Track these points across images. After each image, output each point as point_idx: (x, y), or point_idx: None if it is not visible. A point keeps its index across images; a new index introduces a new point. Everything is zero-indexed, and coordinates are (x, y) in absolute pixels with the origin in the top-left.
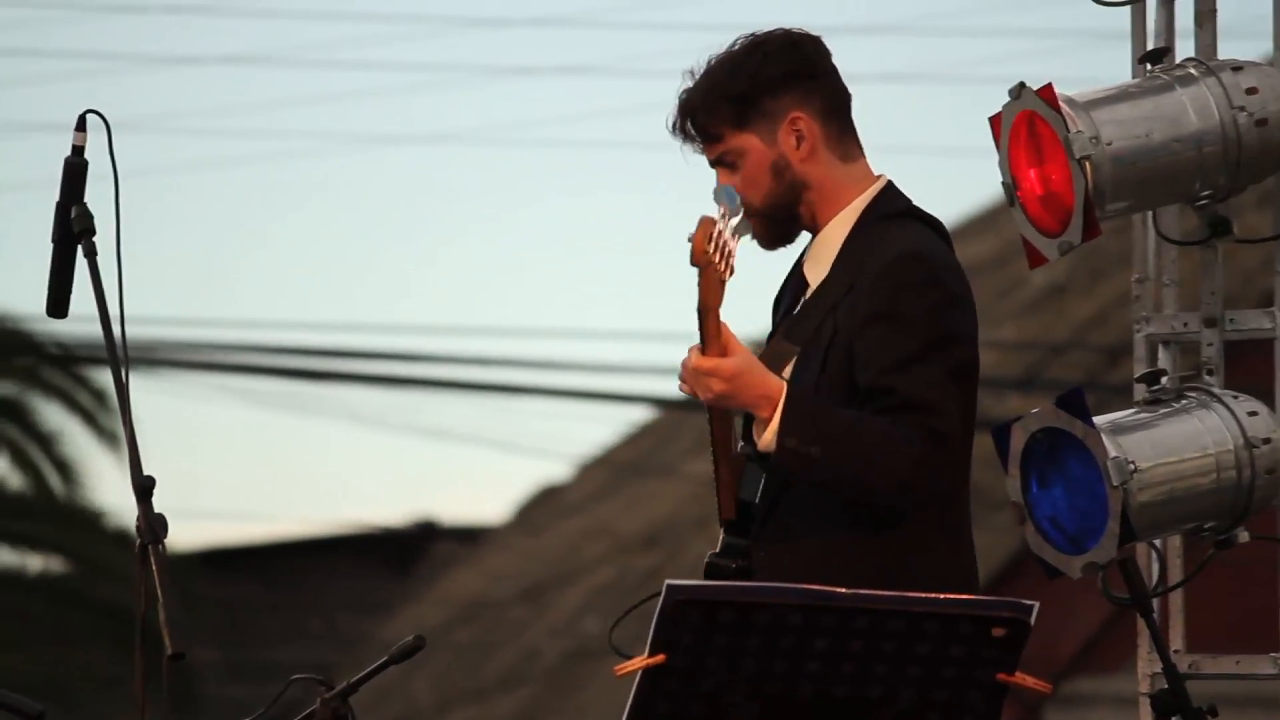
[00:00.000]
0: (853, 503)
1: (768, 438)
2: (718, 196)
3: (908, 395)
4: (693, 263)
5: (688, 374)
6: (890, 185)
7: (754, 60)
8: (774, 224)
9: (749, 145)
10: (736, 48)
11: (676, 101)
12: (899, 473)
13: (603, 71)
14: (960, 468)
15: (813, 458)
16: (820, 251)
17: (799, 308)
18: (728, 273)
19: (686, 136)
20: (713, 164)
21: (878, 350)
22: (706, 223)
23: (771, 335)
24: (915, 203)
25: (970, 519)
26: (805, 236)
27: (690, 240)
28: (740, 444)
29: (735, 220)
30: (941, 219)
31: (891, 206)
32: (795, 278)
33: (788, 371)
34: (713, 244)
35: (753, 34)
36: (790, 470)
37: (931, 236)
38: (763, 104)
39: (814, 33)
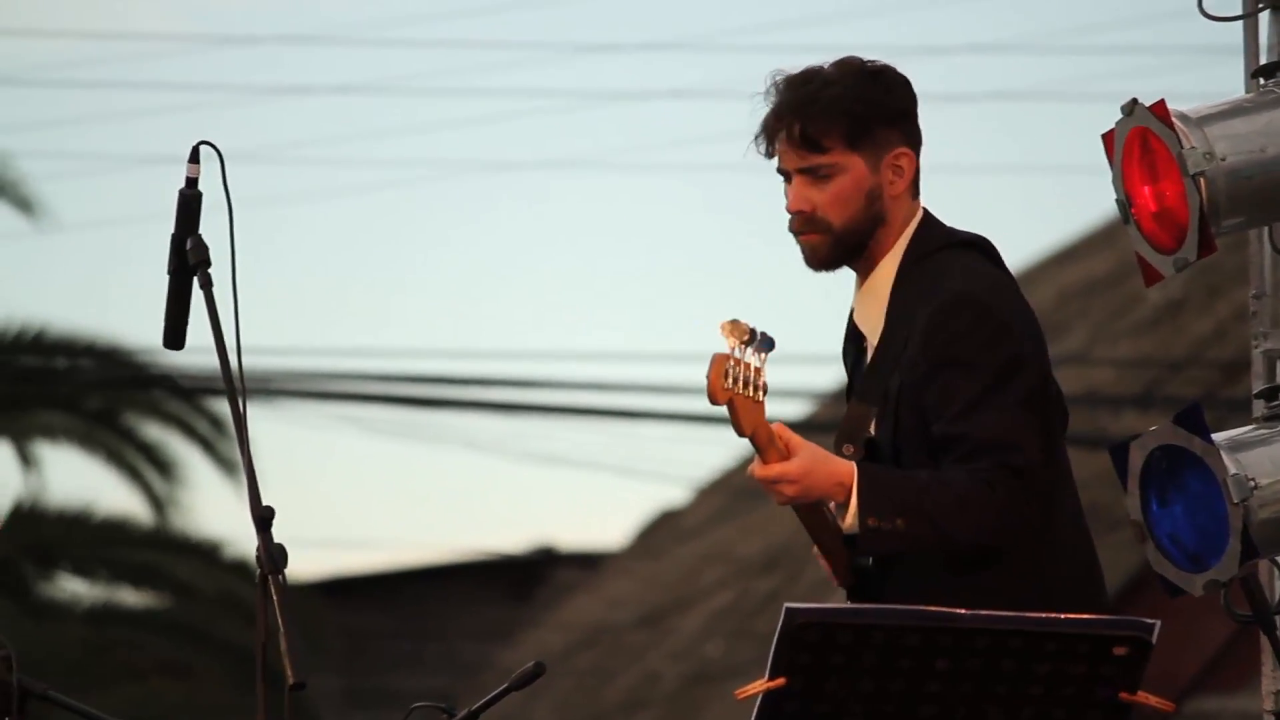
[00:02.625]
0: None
1: (850, 521)
2: (730, 338)
3: (980, 439)
4: (713, 402)
5: (761, 485)
6: (926, 216)
7: (878, 88)
8: (843, 248)
9: (852, 165)
10: (859, 67)
11: (780, 99)
12: (984, 524)
13: (711, 95)
14: (1048, 492)
15: (897, 531)
16: (868, 300)
17: (866, 366)
18: (760, 394)
19: (784, 138)
20: (794, 172)
21: (944, 399)
22: (719, 360)
23: (849, 393)
24: (957, 226)
25: (1078, 530)
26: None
27: (707, 380)
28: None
29: (751, 349)
30: (1057, 237)
31: (928, 244)
32: (850, 328)
33: (863, 433)
34: (729, 378)
35: (863, 60)
36: (877, 547)
37: (972, 264)
38: (877, 131)
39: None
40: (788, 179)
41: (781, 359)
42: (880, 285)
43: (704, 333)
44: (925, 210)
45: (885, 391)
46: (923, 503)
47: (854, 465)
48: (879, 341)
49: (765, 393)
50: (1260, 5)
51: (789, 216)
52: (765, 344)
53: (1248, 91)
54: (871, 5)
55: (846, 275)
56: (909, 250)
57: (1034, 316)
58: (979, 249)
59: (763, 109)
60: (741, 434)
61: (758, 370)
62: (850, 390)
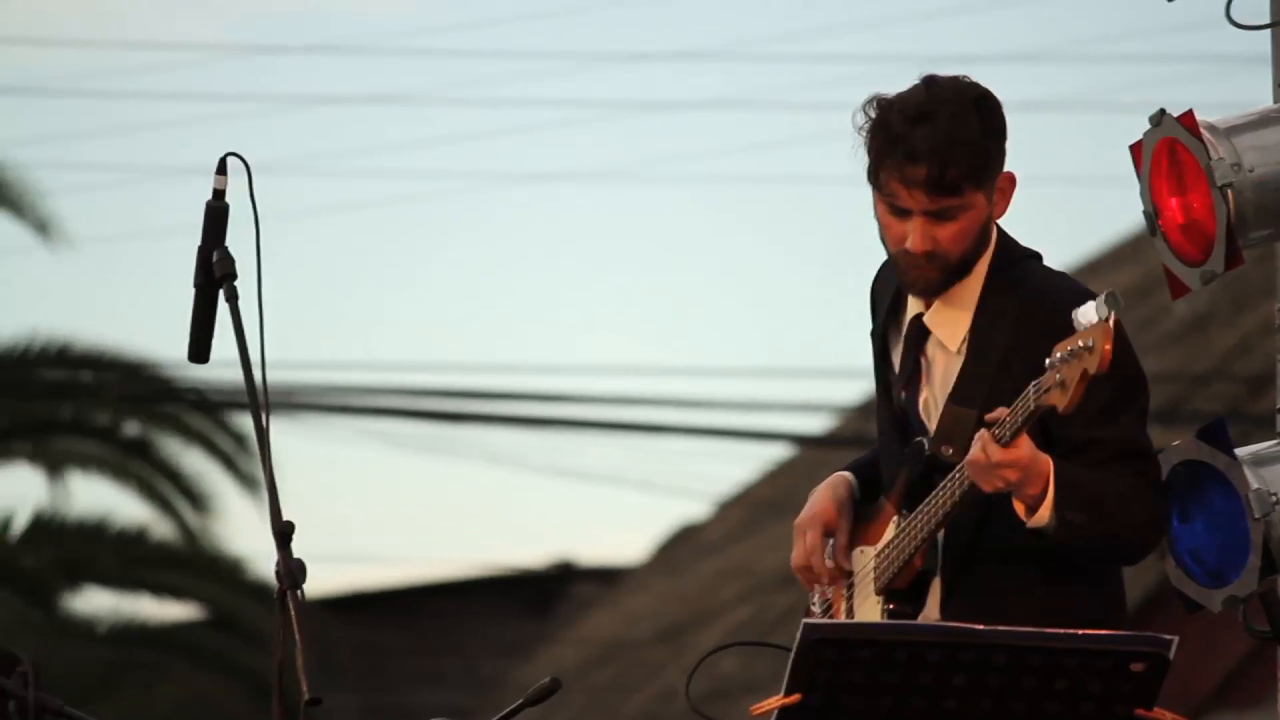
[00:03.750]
0: (1094, 560)
1: (1043, 514)
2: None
3: (1119, 445)
4: (1102, 364)
5: (979, 467)
6: (999, 227)
7: (994, 118)
8: (951, 276)
9: (978, 203)
10: (969, 96)
11: (915, 140)
12: (1145, 526)
13: (744, 105)
14: None
15: (1084, 525)
16: (949, 308)
17: (960, 370)
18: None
19: (919, 179)
20: (919, 212)
21: (1080, 403)
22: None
23: (886, 389)
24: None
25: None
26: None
27: (1105, 350)
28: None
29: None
30: (1083, 249)
31: (1010, 254)
32: (915, 327)
33: (965, 435)
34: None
35: (965, 83)
36: (1063, 539)
37: (1062, 276)
38: (995, 163)
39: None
40: (901, 214)
41: (804, 373)
42: (967, 295)
43: (727, 347)
44: (996, 223)
45: (992, 395)
46: (1102, 501)
47: (1050, 459)
48: (969, 347)
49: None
50: None
51: (902, 249)
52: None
53: (1276, 101)
54: (897, 13)
55: (851, 285)
56: (995, 261)
57: None
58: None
59: (860, 133)
60: (1062, 404)
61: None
62: (885, 385)
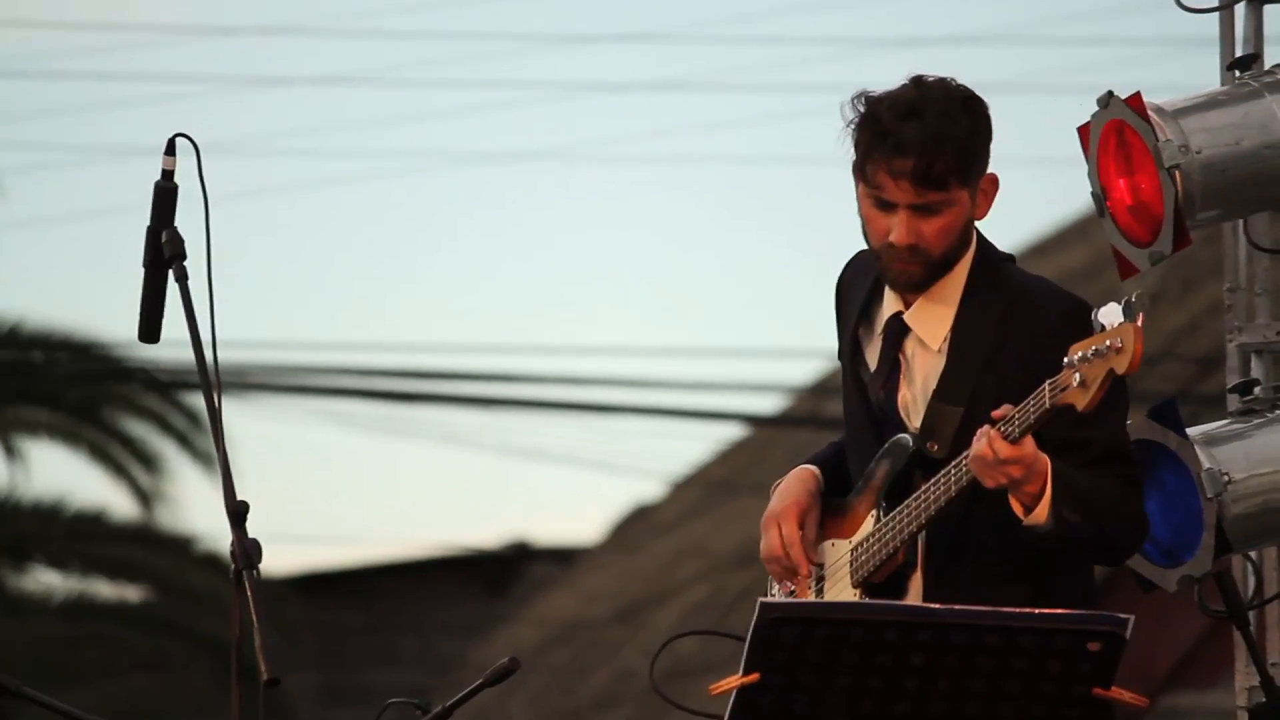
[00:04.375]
0: (1080, 559)
1: (1041, 513)
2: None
3: (1105, 446)
4: (1129, 370)
5: (984, 464)
6: (977, 230)
7: (980, 119)
8: (933, 272)
9: (961, 200)
10: (958, 97)
11: (904, 135)
12: (1133, 529)
13: (695, 87)
14: None
15: (1078, 524)
16: (930, 306)
17: (945, 368)
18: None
19: (906, 172)
20: (904, 206)
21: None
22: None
23: (857, 384)
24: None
25: None
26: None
27: (1130, 357)
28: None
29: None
30: (1031, 230)
31: (989, 256)
32: (891, 325)
33: (951, 432)
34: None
35: (952, 84)
36: (1057, 538)
37: (1040, 279)
38: (980, 163)
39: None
40: (886, 208)
41: (756, 353)
42: (949, 293)
43: (679, 327)
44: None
45: (977, 392)
46: (1094, 501)
47: (1047, 458)
48: (951, 346)
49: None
50: None
51: (886, 243)
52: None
53: (1223, 84)
54: None
55: (804, 266)
56: (976, 262)
57: None
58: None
59: (848, 127)
60: (1082, 406)
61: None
62: (857, 381)
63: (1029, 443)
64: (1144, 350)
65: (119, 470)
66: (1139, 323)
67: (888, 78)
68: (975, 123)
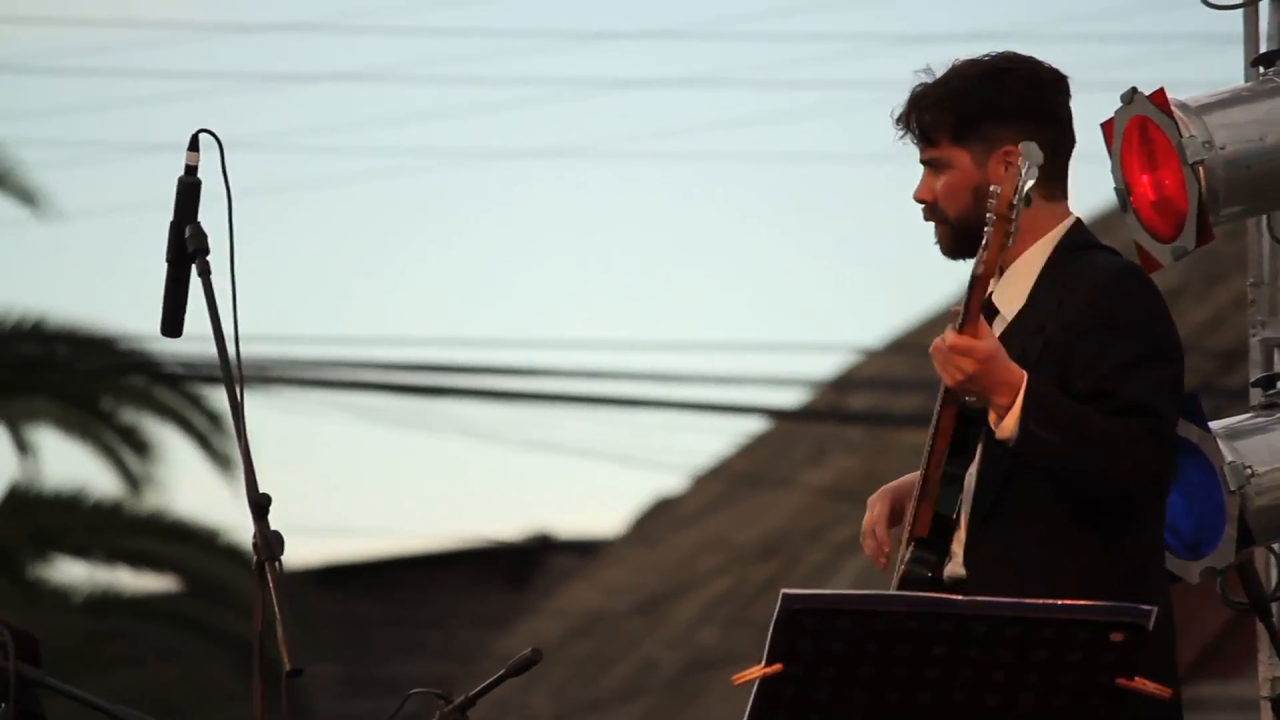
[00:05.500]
0: (1087, 495)
1: (1009, 423)
2: (1024, 153)
3: (1130, 399)
4: (997, 212)
5: (940, 353)
6: (1080, 222)
7: (992, 85)
8: (960, 238)
9: (958, 161)
10: (985, 63)
11: (909, 92)
12: (1126, 470)
13: (716, 83)
14: (1173, 472)
15: (1052, 445)
16: (1015, 281)
17: (1001, 334)
18: (1011, 239)
19: (907, 128)
20: (922, 162)
21: (1099, 357)
22: (1014, 175)
23: None
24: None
25: (1163, 527)
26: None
27: (997, 192)
28: (942, 465)
29: (1029, 185)
30: None
31: (1083, 241)
32: (985, 307)
33: None
34: (1018, 198)
35: (1003, 54)
36: (1032, 456)
37: (1131, 263)
38: (984, 128)
39: (1063, 73)
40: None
41: (778, 347)
42: (1026, 270)
43: (701, 322)
44: (1079, 219)
45: (1021, 354)
46: (1082, 429)
47: (1025, 373)
48: (1016, 314)
49: (1012, 241)
50: None
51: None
52: (1027, 199)
53: (1247, 80)
54: None
55: (824, 261)
56: (1063, 243)
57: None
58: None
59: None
60: (982, 271)
61: (1025, 186)
62: None
63: (982, 335)
64: (1009, 198)
65: (110, 454)
66: (1024, 171)
67: (903, 75)
68: (986, 86)
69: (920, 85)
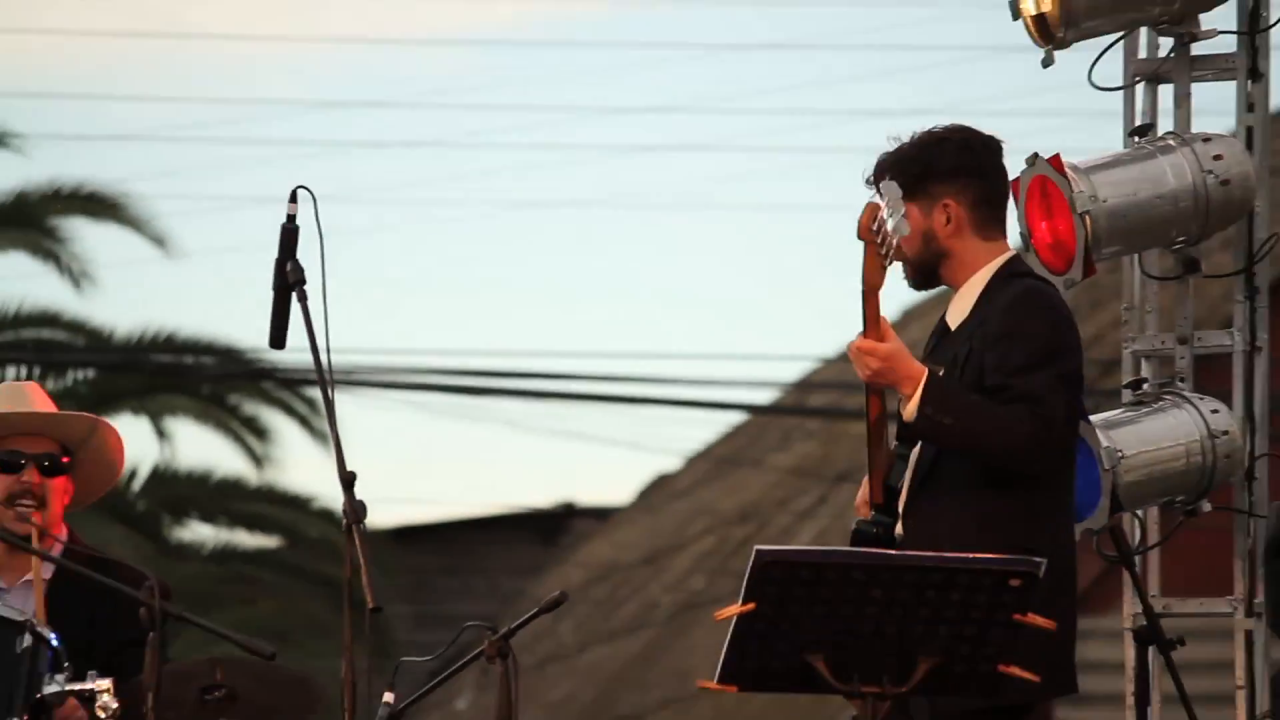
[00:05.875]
0: (979, 464)
1: (910, 408)
2: (884, 190)
3: (1021, 391)
4: (858, 236)
5: (851, 354)
6: (1016, 255)
7: (934, 151)
8: (919, 273)
9: (910, 211)
10: (931, 133)
11: (875, 159)
12: (1013, 442)
13: (715, 148)
14: (1063, 452)
15: (945, 425)
16: (959, 302)
17: (943, 341)
18: (888, 258)
19: (874, 187)
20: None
21: (1003, 359)
22: (871, 206)
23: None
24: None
25: (1073, 496)
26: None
27: (858, 219)
28: (894, 444)
29: (895, 219)
30: None
31: (1016, 270)
32: (940, 325)
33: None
34: (876, 224)
35: (949, 126)
36: (927, 434)
37: (1044, 284)
38: (927, 185)
39: (997, 139)
40: None
41: (754, 357)
42: (969, 293)
43: (693, 335)
44: (1016, 253)
45: (954, 357)
46: (971, 412)
47: (925, 367)
48: (957, 327)
49: (890, 262)
50: (1135, 79)
51: None
52: (902, 227)
53: (1125, 147)
54: (802, 78)
55: (804, 298)
56: (999, 272)
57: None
58: (1051, 286)
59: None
60: (867, 286)
61: (891, 240)
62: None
63: (888, 338)
64: (866, 225)
65: (238, 440)
66: (883, 206)
67: (856, 142)
68: (926, 152)
69: (883, 154)
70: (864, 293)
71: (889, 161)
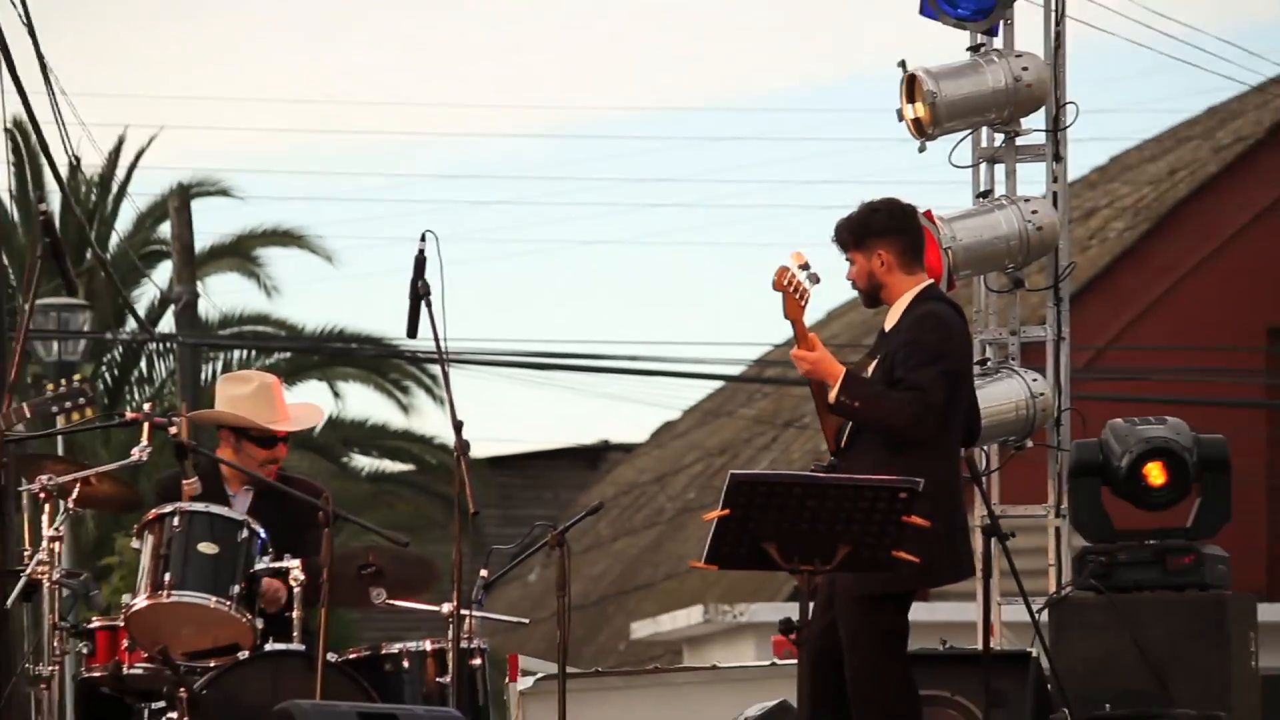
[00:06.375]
0: (881, 433)
1: (832, 395)
2: (794, 260)
3: (910, 383)
4: (773, 288)
5: (791, 358)
6: (932, 284)
7: (870, 217)
8: (866, 297)
9: (858, 260)
10: (870, 204)
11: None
12: (900, 421)
13: (710, 206)
14: (941, 425)
15: (855, 408)
16: (891, 316)
17: (879, 341)
18: (802, 300)
19: (836, 243)
20: (846, 260)
21: (902, 361)
22: (780, 269)
23: (869, 352)
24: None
25: (956, 451)
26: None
27: (772, 279)
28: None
29: (803, 275)
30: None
31: (929, 294)
32: (880, 330)
33: (869, 372)
34: (787, 280)
35: (883, 199)
36: (844, 413)
37: (943, 307)
38: (867, 240)
39: (914, 206)
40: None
41: (727, 341)
42: (896, 312)
43: (683, 327)
44: (931, 282)
45: (880, 357)
46: (872, 399)
47: (844, 368)
48: (888, 332)
49: (806, 300)
50: (979, 160)
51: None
52: (813, 278)
53: (974, 205)
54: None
55: (769, 299)
56: (917, 296)
57: (969, 339)
58: (951, 305)
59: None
60: (788, 318)
61: (803, 286)
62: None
63: (815, 348)
64: (780, 282)
65: (402, 400)
66: (793, 268)
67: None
68: (866, 218)
69: (838, 220)
70: (790, 323)
71: (841, 225)
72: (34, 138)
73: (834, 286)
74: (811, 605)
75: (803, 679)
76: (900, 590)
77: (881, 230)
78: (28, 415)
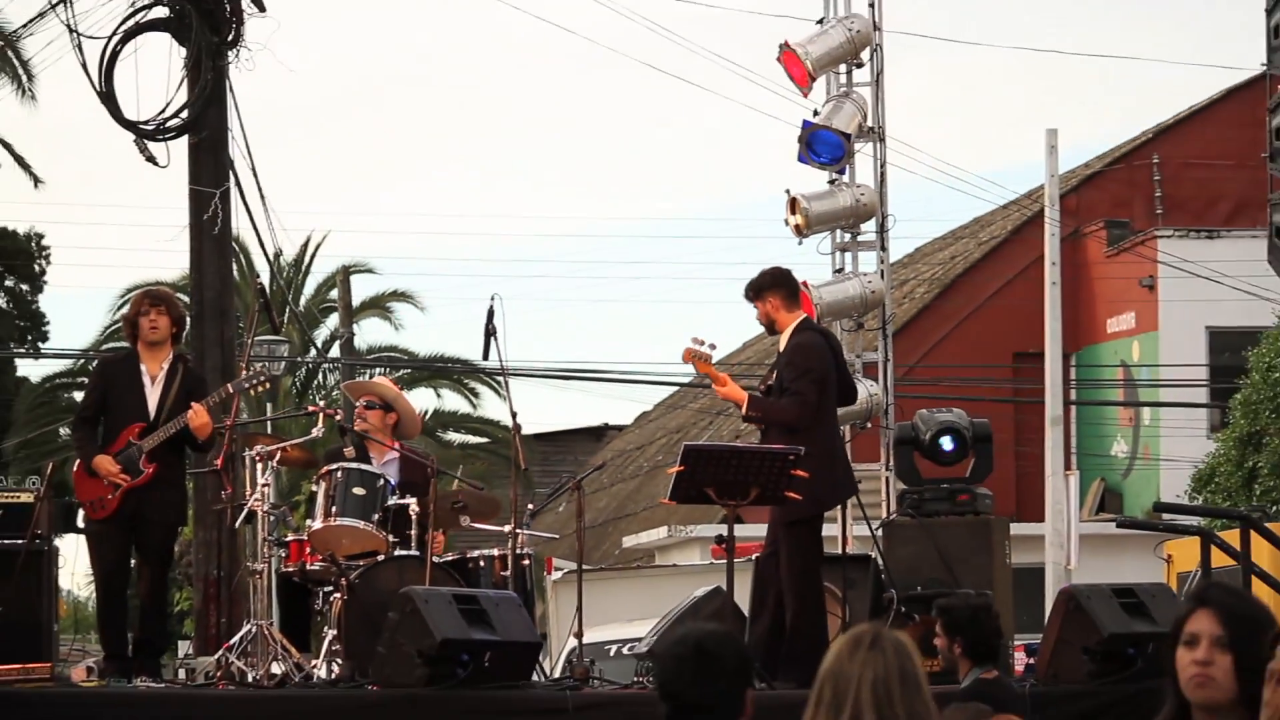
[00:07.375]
0: (779, 428)
1: (742, 412)
2: (694, 342)
3: (793, 390)
4: (683, 361)
5: (714, 388)
6: (806, 318)
7: (764, 278)
8: (766, 329)
9: (760, 308)
10: (763, 270)
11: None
12: (788, 419)
13: (707, 233)
14: (817, 418)
15: (756, 417)
16: (781, 341)
17: (775, 360)
18: (707, 363)
19: (746, 297)
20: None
21: (785, 375)
22: (687, 350)
23: (770, 366)
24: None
25: (838, 431)
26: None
27: (681, 355)
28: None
29: (703, 349)
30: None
31: (805, 326)
32: (776, 352)
33: (772, 378)
34: (694, 355)
35: (771, 267)
36: (752, 421)
37: (813, 334)
38: (762, 292)
39: (787, 268)
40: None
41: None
42: (784, 337)
43: (659, 350)
44: (806, 316)
45: (775, 374)
46: (768, 409)
47: (747, 393)
48: (779, 354)
49: (709, 361)
50: (836, 250)
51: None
52: (711, 347)
53: (832, 276)
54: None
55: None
56: (796, 328)
57: (829, 357)
58: (819, 330)
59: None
60: (698, 373)
61: (706, 354)
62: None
63: (726, 383)
64: (685, 355)
65: (473, 400)
66: (700, 349)
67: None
68: (761, 278)
69: (747, 283)
70: (705, 375)
71: (747, 285)
72: (256, 238)
73: (747, 325)
74: (737, 526)
75: (754, 583)
76: (810, 515)
77: (770, 285)
78: (230, 392)
